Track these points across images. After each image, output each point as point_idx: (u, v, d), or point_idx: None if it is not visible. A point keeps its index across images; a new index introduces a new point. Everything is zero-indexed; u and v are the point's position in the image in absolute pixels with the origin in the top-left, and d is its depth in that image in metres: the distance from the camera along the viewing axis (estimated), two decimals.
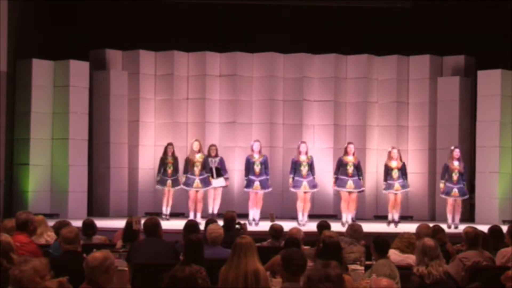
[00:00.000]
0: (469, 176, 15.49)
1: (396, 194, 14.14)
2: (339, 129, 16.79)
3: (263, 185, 13.98)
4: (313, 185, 14.02)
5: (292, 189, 14.07)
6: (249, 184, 13.97)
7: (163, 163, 14.65)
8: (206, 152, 14.41)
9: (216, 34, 16.70)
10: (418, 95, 16.87)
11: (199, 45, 16.67)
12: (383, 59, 17.00)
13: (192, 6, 16.70)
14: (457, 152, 14.12)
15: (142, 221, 8.17)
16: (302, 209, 13.95)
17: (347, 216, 13.93)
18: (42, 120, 15.28)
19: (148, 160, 16.53)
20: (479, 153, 15.74)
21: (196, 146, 14.20)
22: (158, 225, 7.47)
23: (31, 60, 15.19)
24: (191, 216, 13.72)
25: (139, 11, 16.65)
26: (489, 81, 15.68)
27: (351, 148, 14.14)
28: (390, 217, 14.19)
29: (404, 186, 14.22)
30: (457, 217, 14.10)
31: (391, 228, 13.51)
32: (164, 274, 4.43)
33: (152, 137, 16.67)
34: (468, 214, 15.86)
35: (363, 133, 16.77)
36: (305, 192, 13.93)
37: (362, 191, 14.35)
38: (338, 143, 16.39)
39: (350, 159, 14.09)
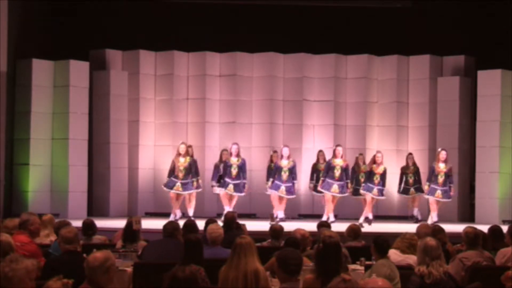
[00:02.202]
0: (469, 176, 15.50)
1: (373, 198, 14.21)
2: (339, 129, 16.79)
3: (237, 189, 13.94)
4: (291, 192, 13.98)
5: (268, 191, 14.04)
6: (223, 185, 13.95)
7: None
8: (218, 157, 14.45)
9: (216, 34, 16.70)
10: (418, 95, 16.86)
11: (199, 45, 16.67)
12: (383, 59, 17.00)
13: (192, 6, 16.70)
14: (443, 154, 14.12)
15: (142, 221, 8.20)
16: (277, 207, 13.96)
17: (330, 216, 13.95)
18: (42, 120, 15.28)
19: (148, 160, 16.53)
20: (479, 153, 15.73)
21: (182, 149, 14.00)
22: (177, 228, 7.56)
23: (31, 60, 15.19)
24: (173, 217, 13.71)
25: (139, 11, 16.64)
26: (489, 81, 15.67)
27: (339, 150, 14.11)
28: (361, 219, 14.15)
29: (382, 193, 14.29)
30: (434, 214, 14.10)
31: (394, 229, 13.34)
32: (164, 274, 4.43)
33: (152, 137, 16.67)
34: (468, 214, 15.86)
35: (363, 133, 16.77)
36: (280, 196, 13.95)
37: (346, 195, 14.33)
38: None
39: (338, 162, 14.05)
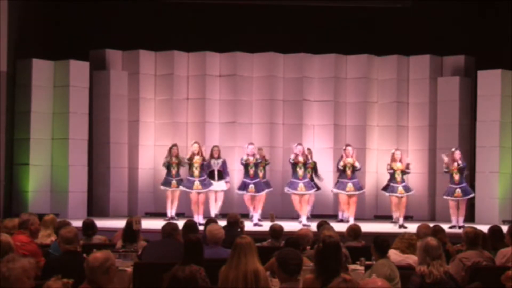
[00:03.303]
0: (469, 176, 15.48)
1: (401, 197, 14.08)
2: (339, 129, 16.79)
3: (258, 188, 13.92)
4: (309, 187, 13.92)
5: (287, 190, 14.03)
6: (243, 187, 13.93)
7: (168, 164, 14.52)
8: (208, 153, 14.42)
9: (216, 34, 16.70)
10: (418, 95, 16.87)
11: (199, 45, 16.67)
12: (383, 59, 17.00)
13: (192, 6, 16.70)
14: (457, 154, 14.04)
15: (142, 221, 8.19)
16: (300, 209, 13.88)
17: (346, 215, 13.90)
18: (42, 120, 15.28)
19: (148, 160, 16.53)
20: (479, 153, 15.74)
21: (195, 148, 14.14)
22: (176, 229, 7.58)
23: (31, 60, 15.19)
24: (196, 219, 13.70)
25: (139, 11, 16.64)
26: (489, 81, 15.67)
27: (349, 150, 14.11)
28: (394, 216, 14.08)
29: (407, 189, 14.19)
30: (461, 218, 14.01)
31: (393, 229, 13.34)
32: (164, 274, 4.43)
33: (152, 137, 16.68)
34: (468, 214, 15.84)
35: (363, 133, 16.77)
36: (302, 194, 13.84)
37: (363, 192, 14.31)
38: (338, 143, 16.39)
39: (349, 161, 14.06)
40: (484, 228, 8.18)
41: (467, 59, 16.72)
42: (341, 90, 16.88)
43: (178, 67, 16.73)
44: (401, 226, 13.73)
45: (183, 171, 14.50)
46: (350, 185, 13.95)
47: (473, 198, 15.70)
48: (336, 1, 16.87)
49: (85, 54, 16.07)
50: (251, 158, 13.93)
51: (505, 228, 8.27)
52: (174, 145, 14.71)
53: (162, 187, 14.68)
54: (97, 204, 16.05)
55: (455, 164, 14.01)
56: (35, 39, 15.71)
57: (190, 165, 14.05)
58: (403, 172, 14.14)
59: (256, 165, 13.93)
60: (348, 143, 14.70)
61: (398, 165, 14.14)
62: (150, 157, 16.52)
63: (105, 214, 15.68)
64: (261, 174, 14.37)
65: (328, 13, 16.76)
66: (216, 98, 16.77)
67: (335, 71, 16.87)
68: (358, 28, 16.76)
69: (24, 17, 15.40)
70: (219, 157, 14.30)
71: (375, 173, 16.54)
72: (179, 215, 14.86)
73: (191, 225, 8.29)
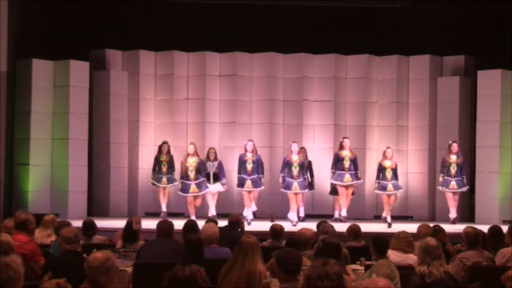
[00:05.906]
0: (469, 176, 15.50)
1: (389, 195, 14.11)
2: (339, 129, 16.79)
3: (255, 184, 13.88)
4: (304, 186, 13.91)
5: (282, 190, 14.01)
6: (241, 183, 13.90)
7: (157, 161, 14.67)
8: (205, 155, 14.39)
9: (216, 34, 16.70)
10: (418, 95, 16.87)
11: (199, 45, 16.67)
12: (383, 59, 17.00)
13: (192, 6, 16.70)
14: (455, 146, 14.13)
15: (142, 221, 8.19)
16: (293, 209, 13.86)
17: (342, 211, 13.90)
18: (42, 120, 15.28)
19: (148, 160, 16.50)
20: (479, 153, 15.73)
21: (191, 149, 14.12)
22: (172, 227, 7.59)
23: (31, 60, 15.18)
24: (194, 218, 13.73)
25: (139, 11, 16.65)
26: (489, 81, 15.67)
27: (346, 142, 14.13)
28: (383, 216, 14.11)
29: (397, 187, 14.20)
30: (453, 210, 14.08)
31: (391, 229, 13.40)
32: (164, 274, 4.42)
33: (152, 137, 16.67)
34: (468, 214, 15.86)
35: (363, 133, 16.77)
36: (295, 194, 13.80)
37: (360, 182, 14.29)
38: (338, 143, 16.35)
39: (346, 153, 14.07)
40: (484, 228, 8.18)
41: (467, 59, 16.72)
42: (341, 90, 16.88)
43: (178, 67, 16.73)
44: (389, 224, 13.81)
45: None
46: (347, 176, 13.95)
47: (473, 198, 15.73)
48: (337, 1, 16.87)
49: (85, 54, 16.07)
50: (249, 155, 13.89)
51: (505, 228, 8.28)
52: (165, 142, 14.76)
53: (152, 183, 14.75)
54: (97, 204, 16.05)
55: (453, 157, 14.04)
56: (35, 39, 15.71)
57: (183, 168, 14.05)
58: (394, 170, 14.17)
59: (256, 162, 13.90)
60: (346, 136, 14.68)
61: (388, 163, 14.15)
62: (150, 157, 16.46)
63: (105, 214, 15.68)
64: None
65: (328, 13, 16.77)
66: (216, 98, 16.77)
67: (335, 71, 16.86)
68: (358, 28, 16.76)
69: (24, 17, 15.40)
70: (215, 159, 14.25)
71: (375, 173, 16.50)
72: (178, 215, 14.86)
73: (191, 225, 8.29)
